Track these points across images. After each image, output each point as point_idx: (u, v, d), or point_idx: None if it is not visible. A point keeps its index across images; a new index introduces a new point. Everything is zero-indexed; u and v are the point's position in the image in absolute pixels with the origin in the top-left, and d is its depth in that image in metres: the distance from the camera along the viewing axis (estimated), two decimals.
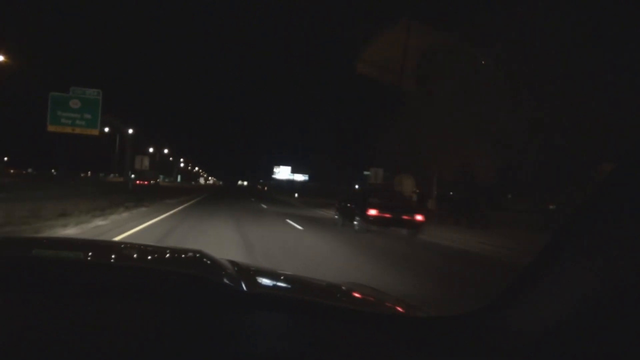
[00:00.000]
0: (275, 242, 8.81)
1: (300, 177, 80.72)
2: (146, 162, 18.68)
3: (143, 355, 0.92)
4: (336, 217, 16.17)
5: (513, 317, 0.88)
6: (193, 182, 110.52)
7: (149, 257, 1.78)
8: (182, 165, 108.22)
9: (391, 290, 2.15)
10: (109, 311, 1.07)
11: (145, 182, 44.07)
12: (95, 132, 23.09)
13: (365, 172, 29.98)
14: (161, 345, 0.95)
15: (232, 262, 1.57)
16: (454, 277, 6.87)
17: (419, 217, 13.35)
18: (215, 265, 1.44)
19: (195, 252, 1.66)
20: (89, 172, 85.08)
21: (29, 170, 76.85)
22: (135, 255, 1.77)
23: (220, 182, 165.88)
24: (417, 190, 31.99)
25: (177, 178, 74.98)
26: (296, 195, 48.26)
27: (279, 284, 1.65)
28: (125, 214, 11.82)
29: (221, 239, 8.26)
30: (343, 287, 1.69)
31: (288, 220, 14.72)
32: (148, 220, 10.73)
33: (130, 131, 52.76)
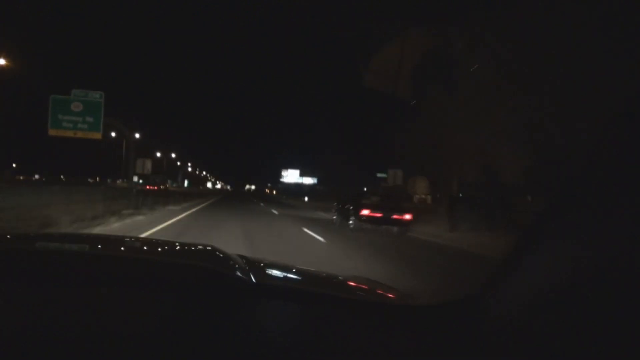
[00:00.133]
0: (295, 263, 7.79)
1: (309, 181, 79.64)
2: (148, 165, 17.69)
3: (154, 344, 0.95)
4: (334, 217, 17.88)
5: (493, 303, 0.97)
6: (201, 187, 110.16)
7: (161, 250, 1.84)
8: (189, 169, 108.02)
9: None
10: (123, 301, 1.12)
11: (155, 187, 43.89)
12: (98, 135, 22.14)
13: (379, 174, 29.06)
14: (172, 335, 0.99)
15: (242, 256, 1.63)
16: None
17: (407, 217, 14.71)
18: (226, 258, 1.52)
19: (206, 245, 1.80)
20: (97, 178, 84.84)
21: (36, 176, 76.61)
22: (147, 249, 1.86)
23: (228, 187, 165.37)
24: (427, 194, 30.82)
25: (184, 183, 74.45)
26: (306, 199, 47.40)
27: (285, 275, 1.71)
28: (115, 225, 10.82)
29: None
30: (340, 278, 1.78)
31: (306, 230, 13.04)
32: (141, 233, 9.47)
33: (137, 135, 52.38)
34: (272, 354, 0.97)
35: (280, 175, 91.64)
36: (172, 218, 13.49)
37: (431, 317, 1.13)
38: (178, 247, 1.91)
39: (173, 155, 75.48)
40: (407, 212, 15.03)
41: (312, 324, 1.13)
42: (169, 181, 67.81)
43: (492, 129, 15.80)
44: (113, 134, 35.43)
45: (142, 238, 2.14)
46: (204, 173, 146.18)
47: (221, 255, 1.58)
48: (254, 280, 1.26)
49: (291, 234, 11.97)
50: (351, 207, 15.81)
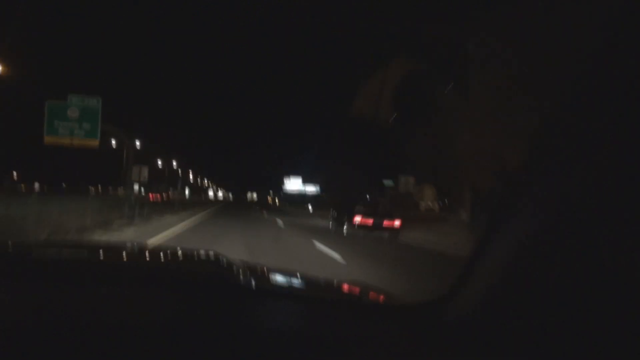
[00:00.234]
0: None
1: (311, 189, 78.70)
2: (145, 173, 16.89)
3: (158, 347, 0.98)
4: (330, 223, 19.04)
5: (454, 304, 1.05)
6: (202, 195, 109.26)
7: (163, 257, 1.90)
8: (191, 178, 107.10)
9: None
10: (129, 304, 1.16)
11: (158, 196, 43.46)
12: (95, 142, 21.38)
13: (386, 181, 28.26)
14: (175, 338, 1.02)
15: (243, 261, 1.80)
16: None
17: (397, 223, 15.61)
18: (228, 263, 1.61)
19: (208, 251, 1.89)
20: (99, 186, 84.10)
21: (36, 185, 75.90)
22: (151, 256, 1.93)
23: (230, 195, 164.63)
24: (435, 202, 29.97)
25: (184, 191, 73.77)
26: (310, 208, 46.54)
27: (284, 280, 1.76)
28: (102, 239, 9.92)
29: None
30: (336, 281, 1.87)
31: (319, 245, 11.21)
32: None
33: (137, 143, 51.71)
34: (271, 355, 1.01)
35: (282, 183, 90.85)
36: (166, 230, 12.44)
37: (402, 317, 1.24)
38: (180, 253, 1.95)
39: (174, 163, 74.75)
40: (397, 218, 15.81)
41: (307, 325, 1.21)
42: (170, 189, 67.24)
43: (506, 131, 15.09)
44: (113, 142, 34.76)
45: (145, 246, 2.34)
46: (206, 181, 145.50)
47: (223, 260, 1.66)
48: (254, 284, 1.35)
49: (302, 250, 10.60)
50: (345, 215, 16.61)
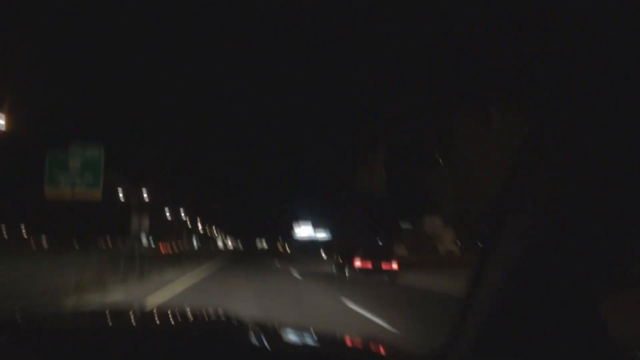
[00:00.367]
0: None
1: (322, 235, 76.88)
2: (146, 223, 15.75)
3: None
4: (334, 268, 20.25)
5: (461, 348, 1.05)
6: (212, 246, 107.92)
7: (180, 320, 1.86)
8: (200, 228, 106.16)
9: None
10: None
11: (169, 246, 42.78)
12: (98, 194, 20.42)
13: (403, 224, 26.89)
14: None
15: (255, 321, 1.71)
16: None
17: (395, 266, 16.53)
18: (239, 324, 1.63)
19: (216, 311, 1.90)
20: (108, 238, 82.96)
21: (43, 237, 75.07)
22: (161, 321, 1.85)
23: (240, 244, 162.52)
24: (455, 245, 28.38)
25: (192, 242, 72.60)
26: (323, 255, 45.01)
27: (298, 339, 1.74)
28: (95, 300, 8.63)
29: None
30: (353, 338, 1.81)
31: (349, 304, 9.26)
32: None
33: (145, 195, 51.03)
34: None
35: (292, 230, 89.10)
36: (163, 295, 10.37)
37: None
38: (189, 315, 1.93)
39: (182, 213, 73.86)
40: (395, 261, 16.83)
41: None
42: (180, 240, 66.20)
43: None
44: (120, 194, 33.97)
45: (150, 310, 2.08)
46: (215, 231, 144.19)
47: (234, 321, 1.67)
48: (267, 345, 1.34)
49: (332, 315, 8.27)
50: (346, 259, 17.54)
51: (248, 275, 16.48)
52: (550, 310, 0.87)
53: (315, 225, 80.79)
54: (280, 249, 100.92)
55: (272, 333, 1.63)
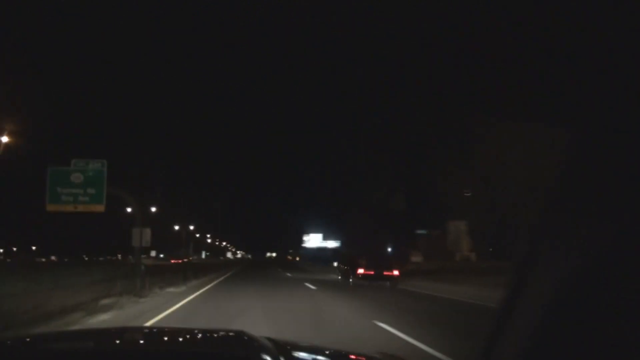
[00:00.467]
0: None
1: (332, 244, 75.83)
2: (147, 236, 14.99)
3: None
4: (339, 276, 21.93)
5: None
6: (221, 257, 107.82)
7: (187, 339, 1.83)
8: (209, 240, 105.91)
9: None
10: None
11: (179, 261, 42.54)
12: (101, 208, 19.75)
13: (419, 231, 26.06)
14: None
15: (270, 339, 1.64)
16: None
17: (396, 273, 17.66)
18: (254, 343, 1.57)
19: (230, 330, 1.94)
20: (118, 255, 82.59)
21: (52, 257, 74.96)
22: (179, 339, 1.84)
23: (249, 256, 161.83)
24: (471, 251, 27.37)
25: (200, 254, 72.31)
26: (335, 265, 44.14)
27: (313, 357, 1.73)
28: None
29: None
30: (364, 356, 1.85)
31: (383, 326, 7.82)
32: None
33: (153, 209, 50.59)
34: None
35: (301, 241, 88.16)
36: (165, 311, 9.58)
37: None
38: (205, 335, 1.90)
39: (192, 227, 73.42)
40: (395, 268, 17.96)
41: None
42: (190, 254, 66.05)
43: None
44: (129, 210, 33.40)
45: (172, 328, 2.37)
46: (224, 243, 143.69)
47: (249, 339, 1.63)
48: None
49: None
50: (350, 268, 19.03)
51: (259, 289, 15.70)
52: (597, 329, 0.84)
53: (326, 235, 79.81)
54: (290, 260, 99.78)
55: (289, 355, 1.56)
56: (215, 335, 1.91)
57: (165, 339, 1.87)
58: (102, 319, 8.23)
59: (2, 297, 8.07)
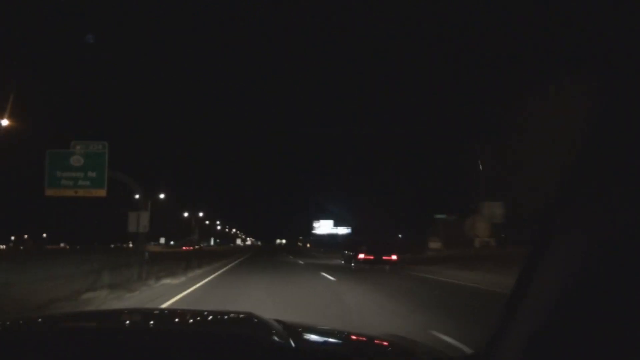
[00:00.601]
0: None
1: (343, 230, 74.76)
2: (145, 220, 13.88)
3: None
4: (342, 262, 23.20)
5: (505, 352, 1.01)
6: (231, 244, 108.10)
7: (203, 321, 1.85)
8: (219, 227, 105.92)
9: None
10: None
11: (191, 248, 42.53)
12: (102, 192, 18.72)
13: (438, 215, 24.82)
14: None
15: (279, 321, 1.65)
16: None
17: (394, 257, 19.09)
18: (263, 324, 1.58)
19: (241, 312, 1.91)
20: (130, 243, 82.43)
21: (61, 244, 75.01)
22: (189, 320, 1.87)
23: (259, 243, 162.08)
24: (491, 237, 26.05)
25: (209, 241, 72.01)
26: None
27: (324, 339, 1.77)
28: None
29: None
30: (375, 339, 1.81)
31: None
32: None
33: (162, 195, 49.89)
34: None
35: (312, 227, 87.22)
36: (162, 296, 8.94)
37: None
38: (215, 316, 1.94)
39: (201, 214, 72.93)
40: (394, 253, 19.40)
41: None
42: (202, 242, 65.97)
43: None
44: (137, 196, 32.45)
45: (182, 309, 2.45)
46: (234, 230, 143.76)
47: (259, 321, 1.63)
48: (293, 344, 1.31)
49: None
50: (352, 253, 20.45)
51: (268, 279, 14.43)
52: (607, 319, 0.83)
53: (337, 221, 78.78)
54: (300, 247, 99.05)
55: (300, 336, 1.61)
56: (225, 317, 1.94)
57: (176, 319, 1.91)
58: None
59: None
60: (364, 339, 1.82)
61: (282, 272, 17.68)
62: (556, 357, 0.89)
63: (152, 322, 1.77)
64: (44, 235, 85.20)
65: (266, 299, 8.82)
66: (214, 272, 16.32)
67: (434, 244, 25.97)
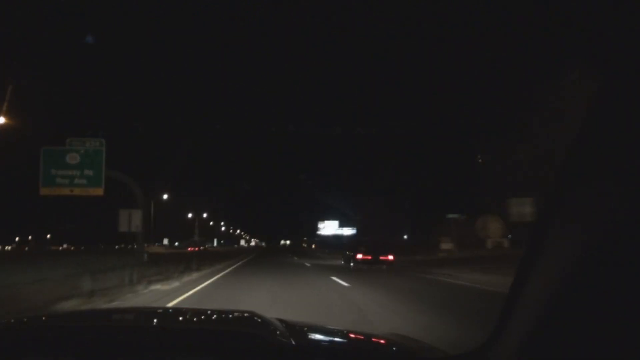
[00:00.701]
0: None
1: (348, 231, 73.79)
2: (137, 219, 13.02)
3: None
4: (342, 262, 24.11)
5: (505, 348, 1.01)
6: (235, 245, 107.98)
7: (204, 319, 1.88)
8: (223, 229, 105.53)
9: None
10: None
11: (197, 249, 41.15)
12: (99, 191, 17.95)
13: (450, 215, 23.89)
14: None
15: (281, 320, 1.66)
16: None
17: (390, 257, 19.92)
18: (265, 323, 1.58)
19: (244, 311, 1.90)
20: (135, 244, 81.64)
21: (64, 246, 74.52)
22: (192, 318, 1.89)
23: (263, 244, 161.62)
24: (503, 237, 25.09)
25: (213, 242, 71.64)
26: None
27: (324, 337, 1.77)
28: None
29: None
30: (376, 336, 1.85)
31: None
32: None
33: (165, 196, 49.23)
34: None
35: (316, 228, 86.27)
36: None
37: None
38: (217, 315, 1.94)
39: (205, 215, 72.35)
40: (390, 253, 20.14)
41: None
42: (207, 243, 65.65)
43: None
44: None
45: (186, 308, 2.51)
46: (238, 231, 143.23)
47: (260, 320, 1.64)
48: (293, 342, 1.31)
49: None
50: (351, 253, 21.49)
51: (272, 282, 13.48)
52: (605, 313, 0.83)
53: (342, 222, 77.78)
54: (305, 248, 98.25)
55: (301, 335, 1.62)
56: (227, 315, 1.95)
57: (178, 318, 1.90)
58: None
59: None
60: (365, 337, 1.84)
61: (288, 275, 16.72)
62: (554, 354, 0.90)
63: (154, 320, 1.78)
64: (48, 236, 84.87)
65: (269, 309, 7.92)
66: (214, 276, 14.95)
67: (446, 245, 25.08)
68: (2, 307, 6.13)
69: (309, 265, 24.50)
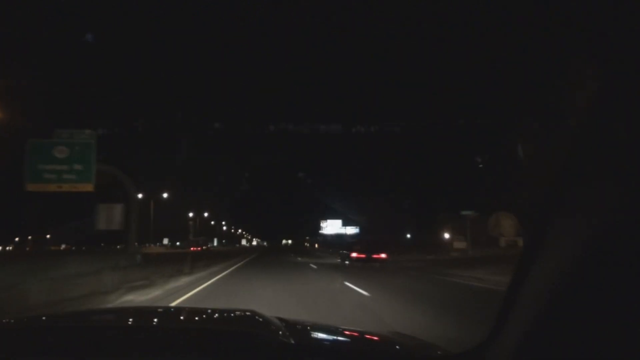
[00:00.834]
0: None
1: (351, 230, 72.57)
2: (117, 215, 11.80)
3: None
4: (338, 260, 25.58)
5: (503, 348, 1.01)
6: (237, 245, 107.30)
7: (202, 318, 1.89)
8: (224, 228, 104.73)
9: None
10: None
11: (199, 248, 43.54)
12: (89, 187, 16.72)
13: (464, 212, 22.72)
14: None
15: (281, 319, 1.66)
16: None
17: (383, 256, 21.54)
18: (266, 322, 1.59)
19: (245, 310, 1.89)
20: (136, 244, 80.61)
21: (63, 246, 73.52)
22: (192, 318, 1.91)
23: (265, 243, 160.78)
24: (517, 235, 23.84)
25: (213, 242, 70.88)
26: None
27: (324, 336, 1.77)
28: None
29: None
30: (375, 336, 1.78)
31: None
32: None
33: (165, 195, 48.12)
34: None
35: (319, 227, 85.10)
36: None
37: None
38: (217, 314, 1.96)
39: (206, 214, 71.38)
40: (383, 252, 21.44)
41: None
42: (209, 243, 64.94)
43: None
44: (140, 195, 30.54)
45: (188, 307, 2.47)
46: (239, 231, 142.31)
47: (261, 319, 1.66)
48: (293, 341, 1.30)
49: None
50: (347, 252, 23.10)
51: (273, 283, 12.16)
52: (604, 312, 0.83)
53: (345, 221, 76.51)
54: (307, 247, 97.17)
55: (302, 334, 1.63)
56: (227, 314, 1.95)
57: (179, 317, 1.91)
58: None
59: None
60: (365, 335, 1.82)
61: (294, 279, 15.17)
62: (552, 353, 0.90)
63: (154, 320, 1.78)
64: (48, 236, 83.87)
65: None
66: (207, 280, 12.59)
67: (459, 244, 23.95)
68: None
69: (315, 267, 23.07)
